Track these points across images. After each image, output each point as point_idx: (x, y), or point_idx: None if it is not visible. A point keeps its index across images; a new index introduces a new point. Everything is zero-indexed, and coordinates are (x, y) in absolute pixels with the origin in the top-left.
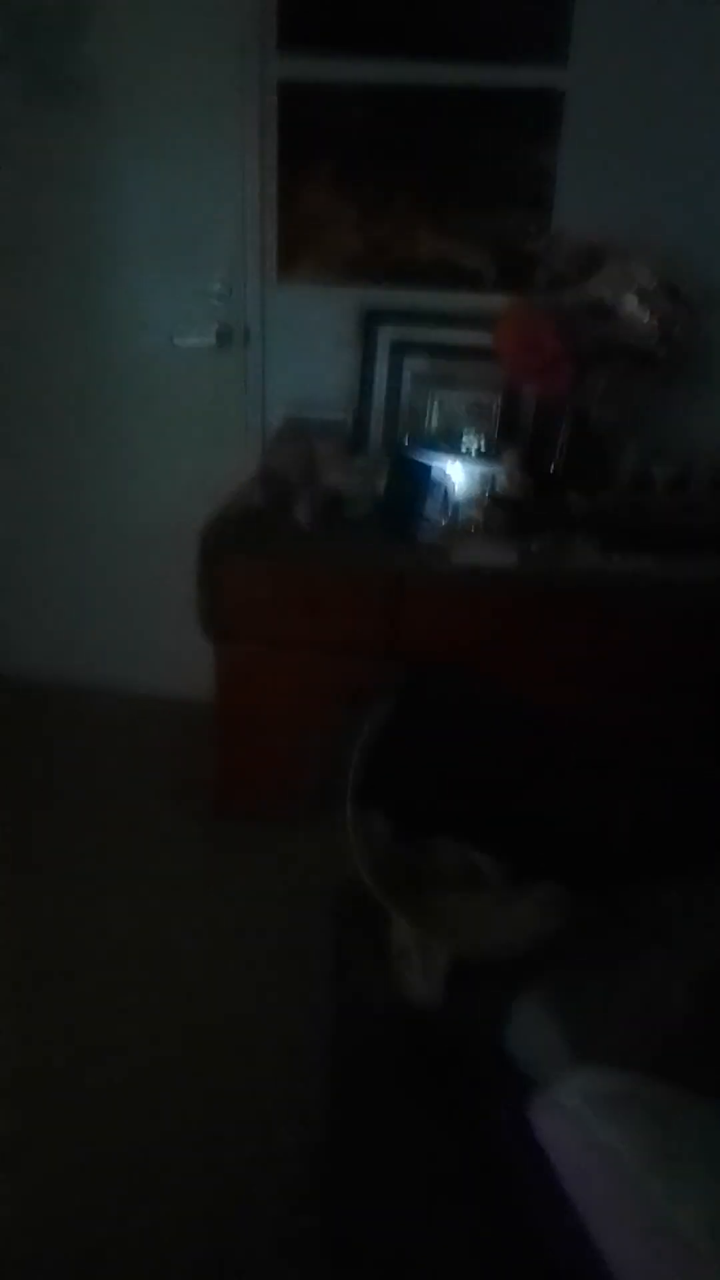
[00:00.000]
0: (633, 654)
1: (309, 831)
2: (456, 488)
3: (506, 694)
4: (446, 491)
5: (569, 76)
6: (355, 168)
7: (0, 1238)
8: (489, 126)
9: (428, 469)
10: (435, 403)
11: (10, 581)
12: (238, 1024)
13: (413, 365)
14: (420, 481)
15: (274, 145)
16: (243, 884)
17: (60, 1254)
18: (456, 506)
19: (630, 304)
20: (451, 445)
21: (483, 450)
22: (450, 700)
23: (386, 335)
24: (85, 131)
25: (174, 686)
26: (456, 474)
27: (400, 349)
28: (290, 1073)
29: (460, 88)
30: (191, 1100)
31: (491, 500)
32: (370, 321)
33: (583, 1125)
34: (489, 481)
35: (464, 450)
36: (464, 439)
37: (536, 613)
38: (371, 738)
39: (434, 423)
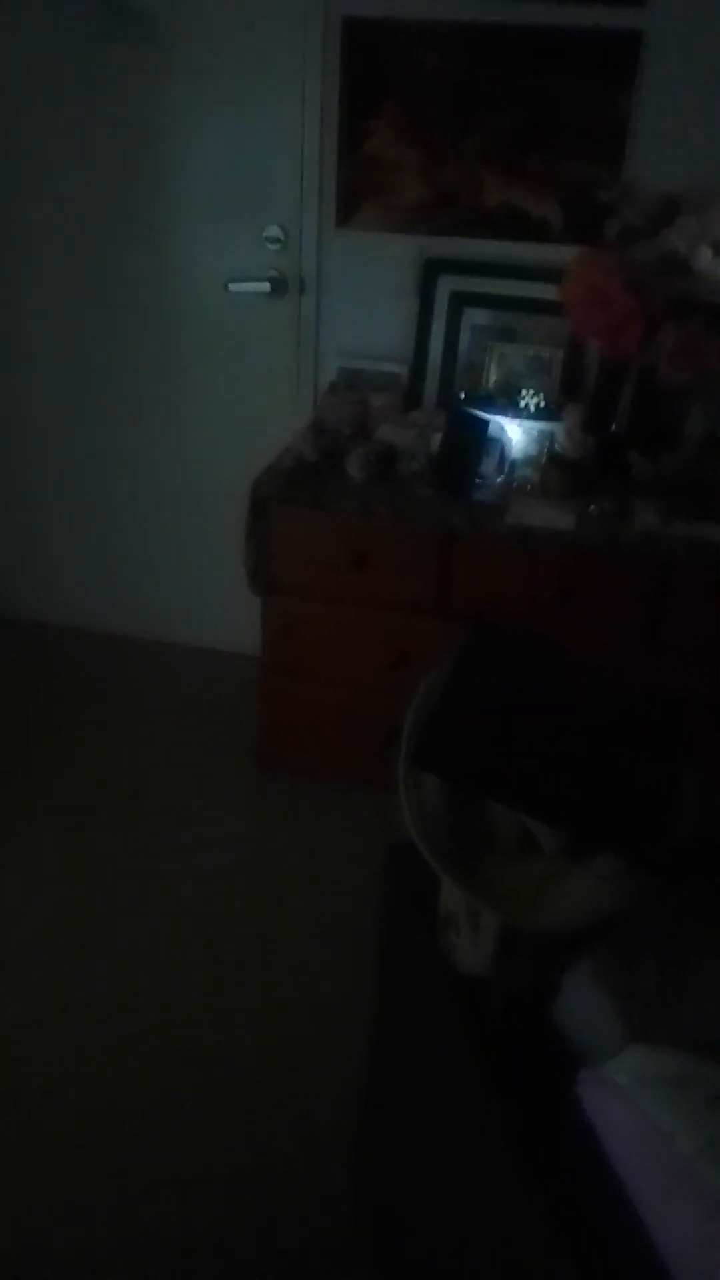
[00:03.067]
0: (693, 625)
1: (359, 791)
2: (514, 446)
3: (568, 659)
4: (503, 449)
5: (648, 16)
6: (422, 111)
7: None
8: (563, 69)
9: (485, 425)
10: (495, 357)
11: (59, 530)
12: (283, 988)
13: (473, 318)
14: (477, 438)
15: (336, 86)
16: (286, 840)
17: (98, 1241)
18: (513, 465)
19: (705, 257)
20: (510, 402)
21: (542, 407)
22: (510, 664)
23: (447, 286)
24: (145, 70)
25: (223, 639)
26: (514, 431)
27: (460, 300)
28: (337, 1044)
29: (534, 26)
30: (237, 1067)
31: (550, 460)
32: (430, 271)
33: (634, 1104)
34: (548, 440)
35: (523, 407)
36: (523, 395)
37: (593, 578)
38: (428, 700)
39: (493, 378)
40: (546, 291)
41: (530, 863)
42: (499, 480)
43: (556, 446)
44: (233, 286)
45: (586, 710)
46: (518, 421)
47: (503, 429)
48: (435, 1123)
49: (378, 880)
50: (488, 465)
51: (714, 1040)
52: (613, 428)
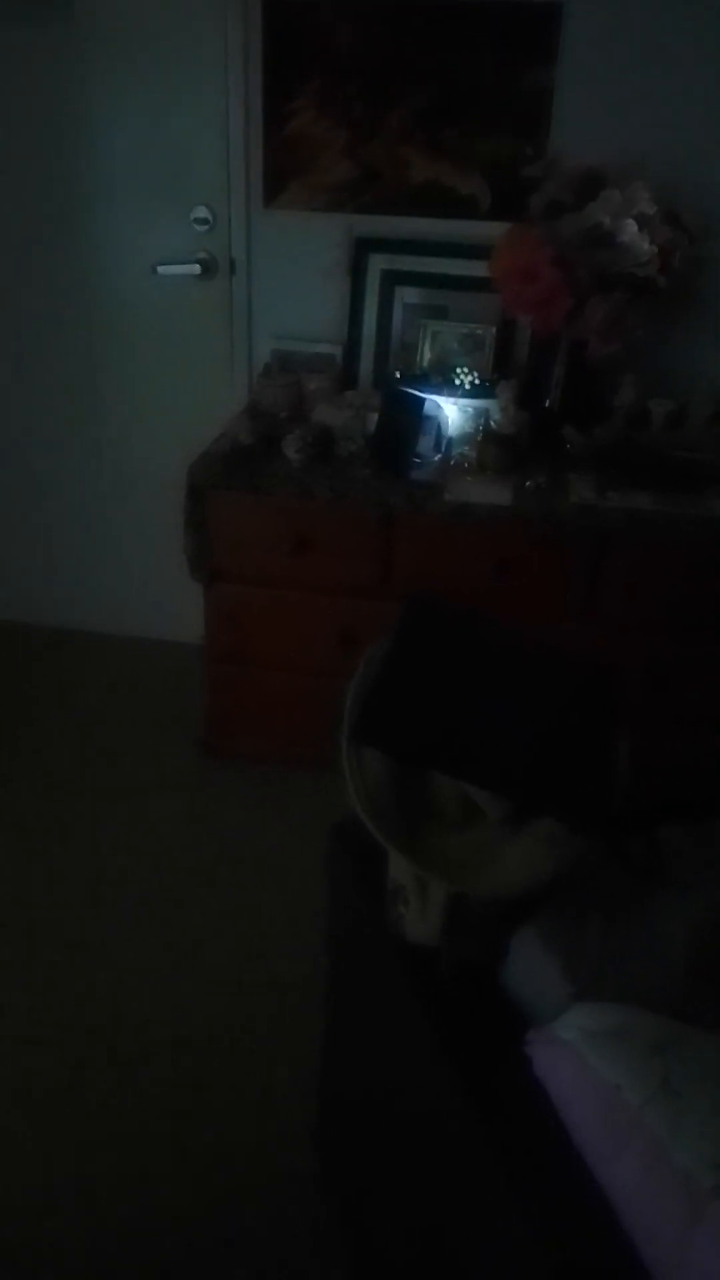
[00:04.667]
0: (631, 593)
1: (307, 773)
2: (450, 423)
3: (507, 631)
4: (440, 427)
5: None
6: (344, 89)
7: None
8: (483, 43)
9: (421, 404)
10: (428, 335)
11: None
12: (239, 970)
13: (405, 296)
14: (413, 417)
15: (259, 64)
16: (236, 825)
17: (57, 1232)
18: (450, 443)
19: (630, 230)
20: (445, 379)
21: (477, 385)
22: (450, 637)
23: (378, 265)
24: (59, 51)
25: (165, 629)
26: (450, 409)
27: (392, 279)
28: (297, 1022)
29: (454, 1)
30: (191, 1053)
31: (486, 437)
32: (361, 250)
33: (580, 1059)
34: (483, 417)
35: (457, 385)
36: (457, 373)
37: (531, 551)
38: (368, 676)
39: (427, 356)
40: (477, 269)
41: (474, 831)
42: (436, 459)
43: (492, 423)
44: (161, 269)
45: (523, 680)
46: (453, 399)
47: (438, 407)
48: (392, 1096)
49: (324, 857)
50: (425, 444)
51: (657, 993)
52: (546, 403)
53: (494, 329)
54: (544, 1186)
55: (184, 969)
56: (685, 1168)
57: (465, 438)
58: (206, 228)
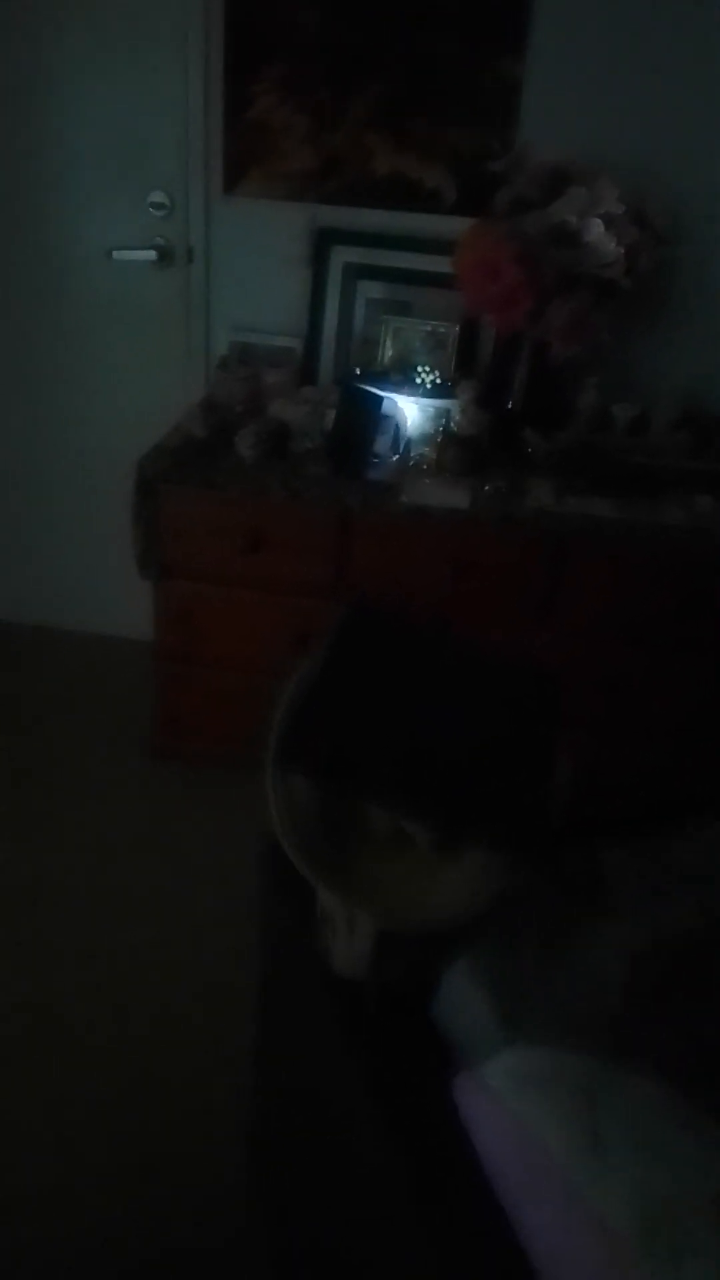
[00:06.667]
0: (585, 599)
1: (250, 779)
2: (409, 423)
3: (448, 636)
4: (399, 426)
5: None
6: (306, 74)
7: None
8: (450, 30)
9: (379, 402)
10: (390, 332)
11: None
12: (176, 983)
13: (367, 290)
14: (371, 415)
15: (220, 46)
16: (184, 829)
17: None
18: (409, 442)
19: (595, 230)
20: (405, 378)
21: (438, 384)
22: (386, 647)
23: (340, 257)
24: (16, 32)
25: (114, 624)
26: (409, 409)
27: (354, 272)
28: (232, 1030)
29: None
30: (130, 1061)
31: (445, 438)
32: (322, 242)
33: (506, 1106)
34: (444, 417)
35: (418, 383)
36: (419, 371)
37: (488, 555)
38: (296, 695)
39: (388, 353)
40: (441, 265)
41: (406, 857)
42: (394, 459)
43: (452, 424)
44: (117, 255)
45: (462, 693)
46: (413, 398)
47: (398, 405)
48: (319, 1123)
49: (255, 881)
50: (382, 443)
51: (593, 1026)
52: (508, 404)
53: (457, 327)
54: (459, 1230)
55: (124, 974)
56: (609, 1220)
57: (425, 438)
58: (164, 213)
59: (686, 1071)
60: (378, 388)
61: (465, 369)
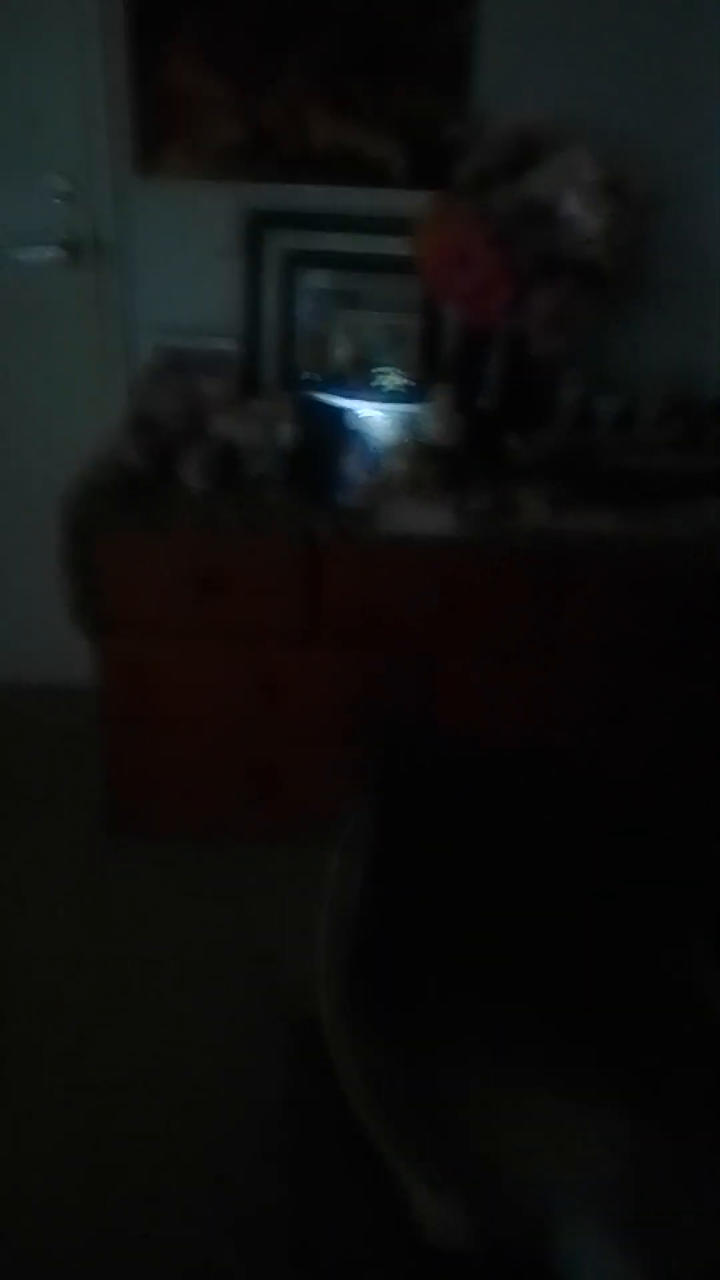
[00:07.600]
0: (593, 625)
1: (230, 846)
2: (376, 434)
3: (518, 761)
4: (366, 441)
5: None
6: (228, 31)
7: None
8: None
9: (341, 413)
10: (341, 328)
11: None
12: (139, 1086)
13: (311, 280)
14: (334, 429)
15: (120, 7)
16: (148, 920)
17: None
18: (378, 457)
19: (571, 203)
20: (364, 381)
21: (404, 387)
22: (439, 809)
23: (277, 243)
24: None
25: (54, 672)
26: (374, 417)
27: (294, 260)
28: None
29: None
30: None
31: (419, 450)
32: (256, 226)
33: None
34: (413, 425)
35: (380, 387)
36: (380, 373)
37: (481, 583)
38: (346, 915)
39: (341, 353)
40: (393, 246)
41: (508, 1114)
42: (364, 478)
43: (425, 432)
44: (11, 254)
45: (556, 844)
46: (377, 405)
47: (360, 415)
48: None
49: (287, 1068)
50: (350, 460)
51: None
52: (483, 406)
53: (418, 318)
54: None
55: (81, 1084)
56: None
57: (395, 451)
58: (66, 201)
59: None
60: (335, 395)
61: (432, 366)
